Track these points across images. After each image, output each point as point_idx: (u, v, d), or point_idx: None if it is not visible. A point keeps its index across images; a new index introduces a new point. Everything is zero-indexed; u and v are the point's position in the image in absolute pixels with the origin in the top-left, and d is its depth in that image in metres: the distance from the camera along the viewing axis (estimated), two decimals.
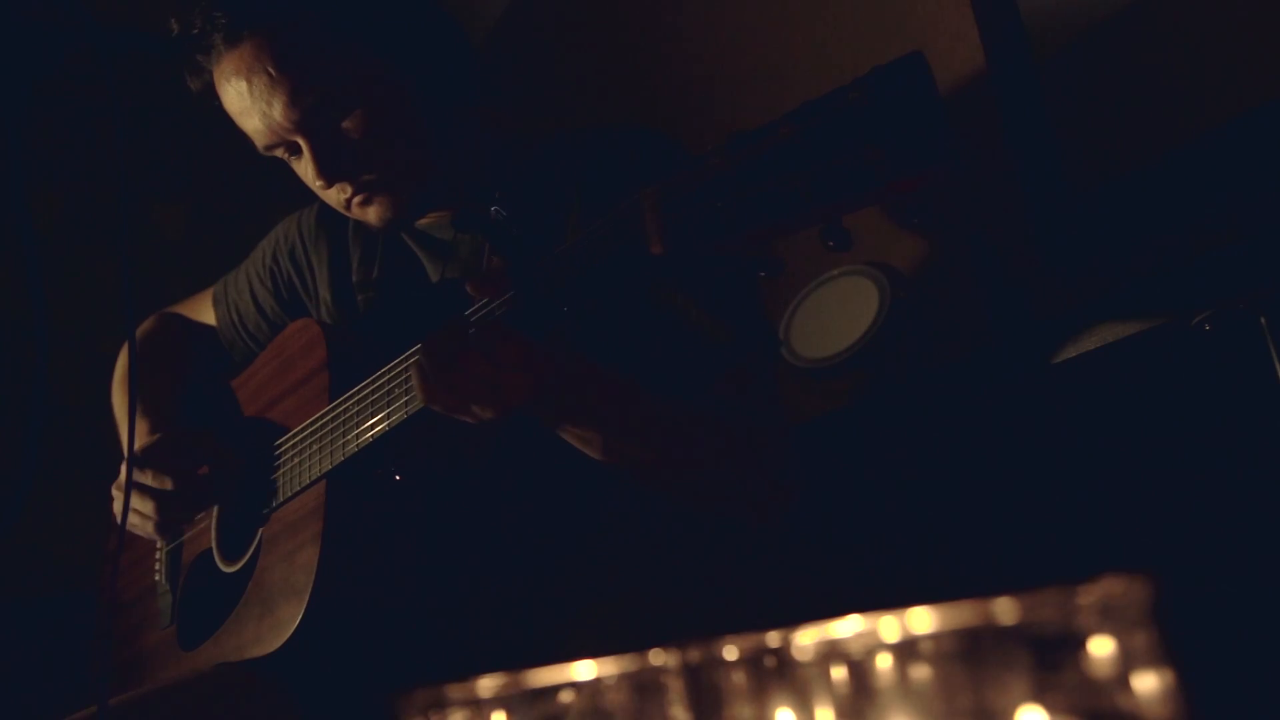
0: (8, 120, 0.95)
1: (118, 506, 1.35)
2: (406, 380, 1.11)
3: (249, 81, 1.18)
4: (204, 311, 1.61)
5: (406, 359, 1.12)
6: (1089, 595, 0.37)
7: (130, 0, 1.43)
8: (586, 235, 0.93)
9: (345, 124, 1.19)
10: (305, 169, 1.24)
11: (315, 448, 1.24)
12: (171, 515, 1.32)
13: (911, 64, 0.71)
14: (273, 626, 1.20)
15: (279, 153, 1.25)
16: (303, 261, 1.48)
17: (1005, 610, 0.37)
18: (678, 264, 0.84)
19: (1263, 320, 1.19)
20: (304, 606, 1.16)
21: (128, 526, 1.35)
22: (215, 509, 1.41)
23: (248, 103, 1.19)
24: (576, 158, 1.28)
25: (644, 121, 1.31)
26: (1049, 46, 1.63)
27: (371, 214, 1.25)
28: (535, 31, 2.97)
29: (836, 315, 1.83)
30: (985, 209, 1.75)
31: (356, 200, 1.23)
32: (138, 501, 1.31)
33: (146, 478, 1.30)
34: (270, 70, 1.16)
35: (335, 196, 1.25)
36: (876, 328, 1.76)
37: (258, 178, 1.47)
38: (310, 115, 1.18)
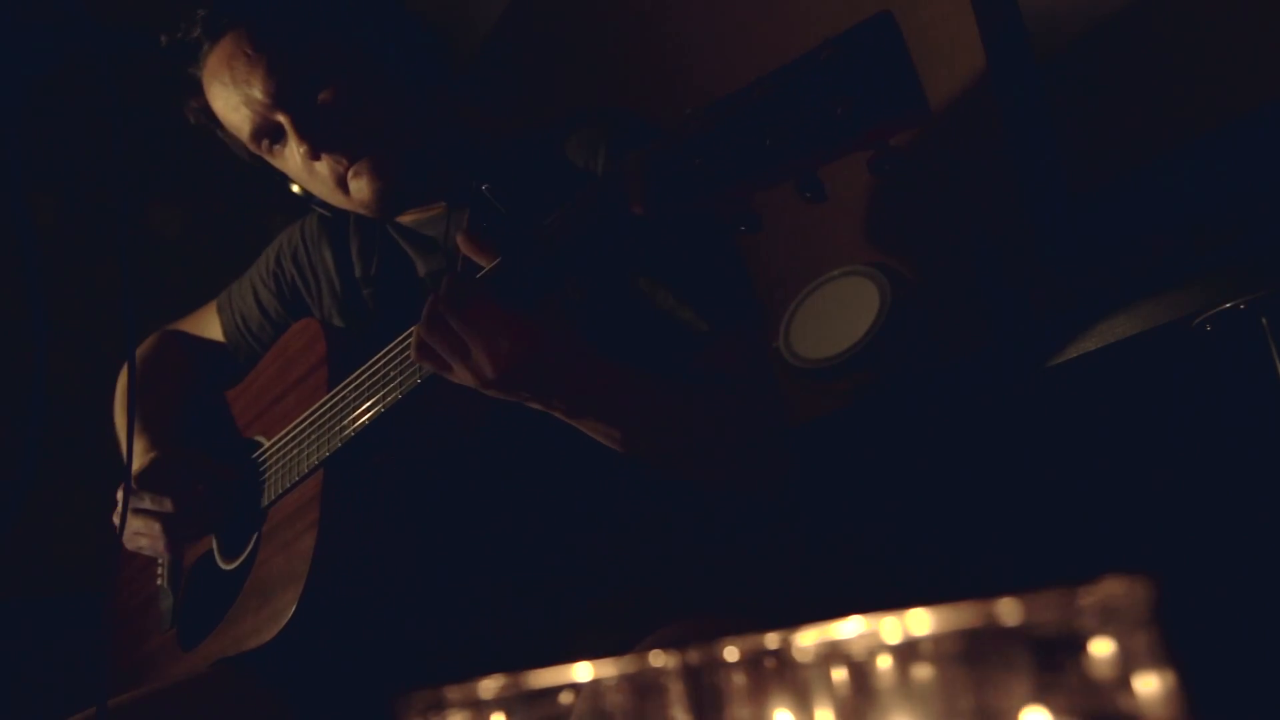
0: (7, 120, 0.95)
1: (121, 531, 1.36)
2: (400, 363, 1.12)
3: (230, 69, 1.23)
4: (208, 323, 1.63)
5: (399, 342, 1.14)
6: (1090, 596, 0.37)
7: (130, 0, 1.43)
8: (571, 202, 0.95)
9: (323, 95, 1.23)
10: (291, 151, 1.25)
11: (312, 438, 1.25)
12: (174, 537, 1.34)
13: (880, 21, 0.74)
14: (270, 615, 1.20)
15: (265, 146, 1.27)
16: (305, 263, 1.50)
17: (1006, 611, 0.37)
18: (658, 224, 0.86)
19: (1264, 321, 1.19)
20: (300, 592, 1.16)
21: (133, 548, 1.37)
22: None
23: (230, 91, 1.24)
24: (549, 151, 1.30)
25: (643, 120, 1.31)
26: (1050, 47, 1.63)
27: (365, 187, 1.25)
28: (534, 31, 2.97)
29: (837, 316, 1.83)
30: (985, 209, 1.75)
31: (350, 174, 1.25)
32: (139, 524, 1.32)
33: (144, 501, 1.32)
34: (248, 51, 1.22)
35: (325, 174, 1.26)
36: (877, 328, 1.76)
37: (256, 179, 1.47)
38: (285, 88, 1.22)
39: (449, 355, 1.00)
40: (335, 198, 1.29)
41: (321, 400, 1.26)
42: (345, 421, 1.19)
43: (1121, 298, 1.49)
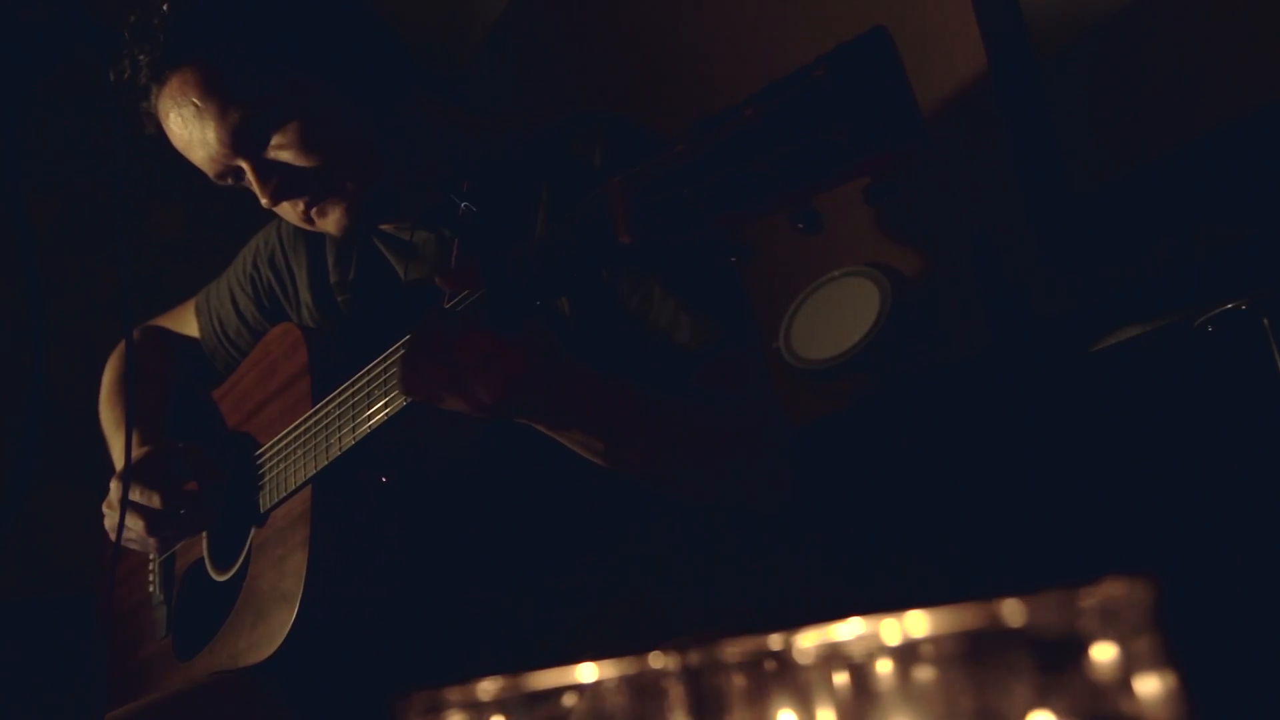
0: (6, 120, 0.95)
1: (109, 523, 1.34)
2: (385, 382, 1.11)
3: (181, 115, 1.19)
4: (187, 323, 1.61)
5: (384, 359, 1.12)
6: (1091, 598, 0.37)
7: (131, 1, 1.43)
8: (554, 227, 0.92)
9: (279, 138, 1.18)
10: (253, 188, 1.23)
11: (300, 453, 1.24)
12: (162, 532, 1.32)
13: (874, 39, 0.70)
14: (265, 634, 1.20)
15: (230, 182, 1.25)
16: (282, 267, 1.48)
17: (1007, 613, 0.37)
18: (647, 252, 0.83)
19: (1265, 321, 1.19)
20: (295, 612, 1.16)
21: (124, 543, 1.34)
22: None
23: (185, 135, 1.21)
24: (542, 151, 1.27)
25: (641, 120, 1.31)
26: (1051, 46, 1.63)
27: (329, 224, 1.24)
28: (535, 31, 2.97)
29: (837, 316, 1.83)
30: (986, 209, 1.75)
31: (313, 212, 1.23)
32: (129, 519, 1.30)
33: (135, 494, 1.29)
34: (195, 101, 1.17)
35: (290, 212, 1.25)
36: (877, 329, 1.76)
37: None
38: (240, 135, 1.18)
39: (439, 388, 0.97)
40: (304, 226, 1.28)
41: (306, 414, 1.24)
42: (331, 441, 1.18)
43: (1123, 299, 1.49)
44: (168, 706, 1.25)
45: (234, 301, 1.53)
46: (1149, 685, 0.37)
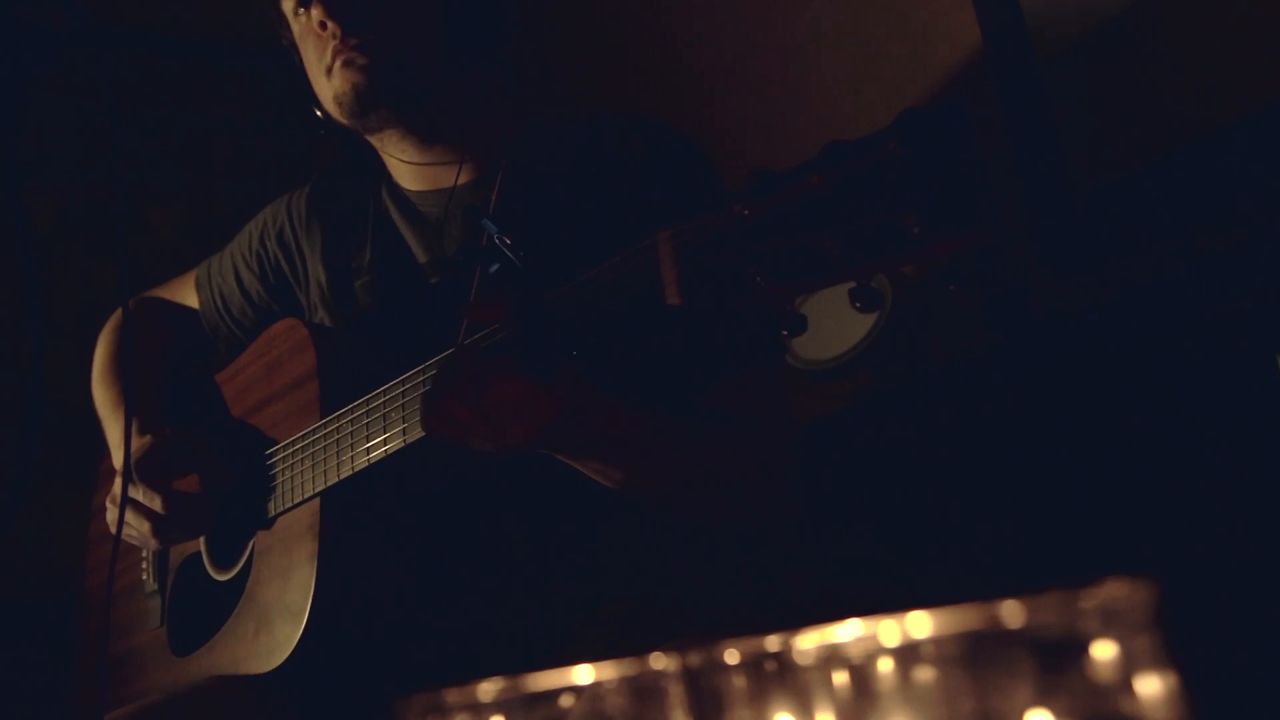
0: (4, 120, 0.95)
1: (111, 517, 1.33)
2: (404, 407, 1.09)
3: None
4: (186, 295, 1.57)
5: (404, 383, 1.10)
6: (1092, 599, 0.37)
7: (130, 0, 1.43)
8: (598, 276, 0.87)
9: None
10: (311, 17, 1.24)
11: (309, 464, 1.22)
12: (164, 535, 1.30)
13: (952, 115, 0.67)
14: (269, 645, 1.19)
15: (292, 7, 1.26)
16: (292, 245, 1.44)
17: (1008, 614, 0.37)
18: (694, 312, 0.80)
19: (1266, 323, 1.19)
20: (301, 629, 1.15)
21: (124, 538, 1.33)
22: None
23: None
24: (578, 148, 1.27)
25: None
26: (1051, 47, 1.63)
27: (346, 77, 1.23)
28: (532, 33, 2.97)
29: (837, 316, 1.83)
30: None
31: (343, 60, 1.23)
32: (130, 517, 1.29)
33: (138, 493, 1.27)
34: None
35: (322, 53, 1.24)
36: (878, 329, 1.76)
37: (255, 178, 1.46)
38: None
39: (465, 431, 0.95)
40: (319, 85, 1.27)
41: (317, 425, 1.23)
42: (343, 459, 1.17)
43: (1121, 298, 1.49)
44: (168, 708, 1.24)
45: (238, 277, 1.49)
46: (1150, 685, 0.37)
